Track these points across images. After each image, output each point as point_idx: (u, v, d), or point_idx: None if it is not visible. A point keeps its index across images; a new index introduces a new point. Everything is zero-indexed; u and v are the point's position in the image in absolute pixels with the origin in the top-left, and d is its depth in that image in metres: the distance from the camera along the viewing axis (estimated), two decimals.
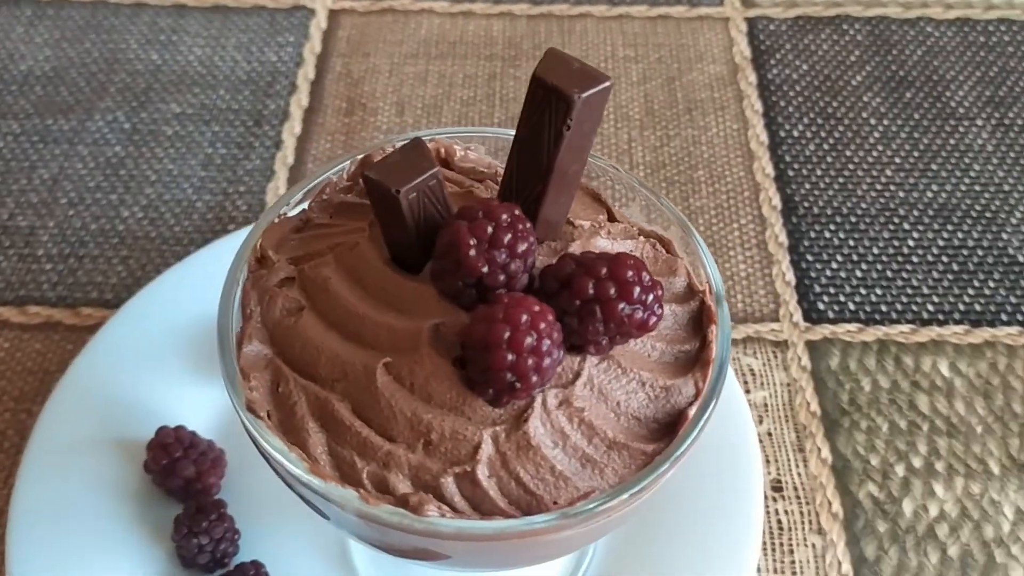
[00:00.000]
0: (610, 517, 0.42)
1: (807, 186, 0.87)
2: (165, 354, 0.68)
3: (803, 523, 0.66)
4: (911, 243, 0.83)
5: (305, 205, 0.52)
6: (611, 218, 0.52)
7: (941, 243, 0.83)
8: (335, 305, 0.46)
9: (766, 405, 0.72)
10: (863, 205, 0.86)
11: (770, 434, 0.70)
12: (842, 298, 0.79)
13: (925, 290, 0.79)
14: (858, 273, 0.81)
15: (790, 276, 0.80)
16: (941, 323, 0.77)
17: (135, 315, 0.70)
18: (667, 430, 0.45)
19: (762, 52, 0.99)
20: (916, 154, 0.90)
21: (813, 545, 0.65)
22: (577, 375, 0.44)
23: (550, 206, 0.46)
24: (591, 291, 0.42)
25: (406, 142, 0.45)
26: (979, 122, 0.93)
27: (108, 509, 0.62)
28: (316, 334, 0.45)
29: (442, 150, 0.53)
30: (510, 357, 0.40)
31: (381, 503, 0.41)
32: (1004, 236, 0.83)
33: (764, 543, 0.65)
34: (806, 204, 0.86)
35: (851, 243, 0.83)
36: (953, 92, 0.95)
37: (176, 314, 0.70)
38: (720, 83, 0.96)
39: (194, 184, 0.86)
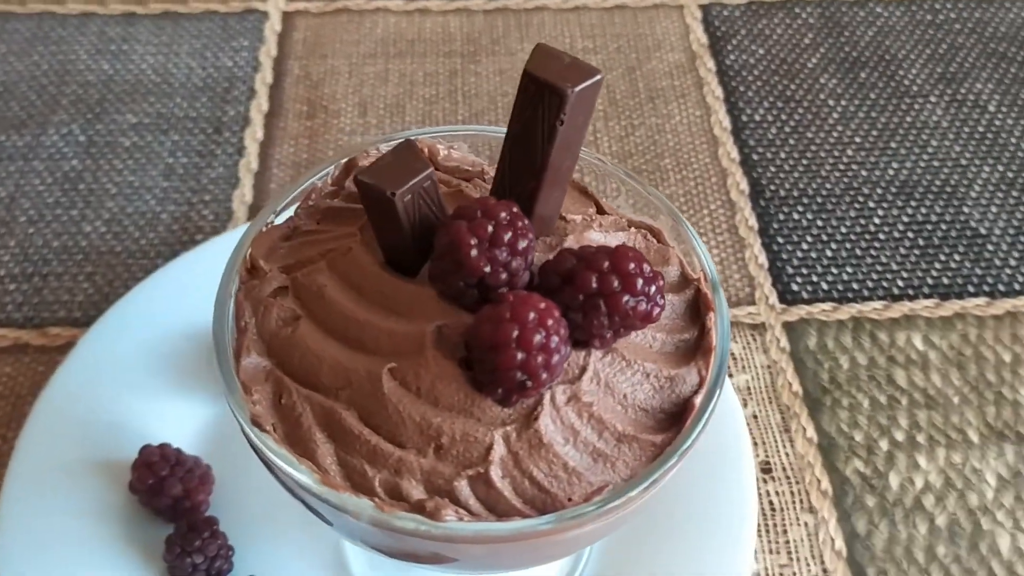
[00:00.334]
0: (627, 510, 0.42)
1: (772, 169, 0.88)
2: (142, 371, 0.67)
3: (794, 503, 0.67)
4: (876, 221, 0.84)
5: (291, 212, 0.51)
6: (600, 211, 0.52)
7: (905, 219, 0.84)
8: (332, 312, 0.45)
9: (749, 388, 0.72)
10: (828, 185, 0.87)
11: (756, 417, 0.71)
12: (815, 278, 0.80)
13: (894, 266, 0.81)
14: (828, 252, 0.82)
15: (763, 259, 0.81)
16: (911, 298, 0.79)
17: (108, 332, 0.68)
18: (674, 420, 0.45)
19: (718, 38, 1.00)
20: (875, 133, 0.91)
21: (806, 524, 0.65)
22: (583, 370, 0.43)
23: (544, 202, 0.46)
24: (594, 285, 0.42)
25: (397, 143, 0.45)
26: (932, 99, 0.94)
27: (95, 533, 0.60)
28: (315, 343, 0.44)
29: (425, 150, 0.53)
30: (520, 356, 0.40)
31: (396, 510, 0.40)
32: (965, 210, 0.85)
33: (759, 525, 0.65)
34: (772, 187, 0.87)
35: (819, 223, 0.84)
36: (906, 71, 0.97)
37: (150, 329, 0.68)
38: (680, 71, 0.96)
39: (156, 195, 0.84)
